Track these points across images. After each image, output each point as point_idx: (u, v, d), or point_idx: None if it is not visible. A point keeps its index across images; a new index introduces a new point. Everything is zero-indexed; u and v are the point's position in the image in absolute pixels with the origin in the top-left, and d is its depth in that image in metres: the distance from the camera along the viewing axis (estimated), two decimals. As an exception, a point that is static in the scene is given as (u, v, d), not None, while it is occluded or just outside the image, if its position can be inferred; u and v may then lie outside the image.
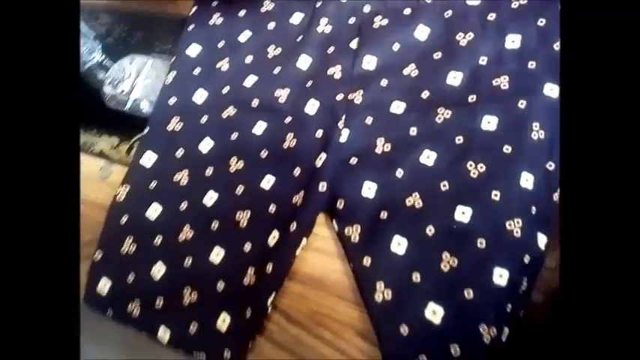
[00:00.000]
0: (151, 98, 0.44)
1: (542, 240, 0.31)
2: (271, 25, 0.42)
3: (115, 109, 0.45)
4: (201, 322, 0.32)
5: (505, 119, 0.33)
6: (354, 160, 0.35)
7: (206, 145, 0.39)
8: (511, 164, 0.32)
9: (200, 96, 0.41)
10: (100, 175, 0.43)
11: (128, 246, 0.36)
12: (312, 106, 0.38)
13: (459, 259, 0.30)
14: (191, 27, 0.44)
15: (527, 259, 0.30)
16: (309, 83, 0.39)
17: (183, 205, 0.37)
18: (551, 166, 0.32)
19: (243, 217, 0.36)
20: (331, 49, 0.39)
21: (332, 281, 0.33)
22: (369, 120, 0.36)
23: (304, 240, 0.33)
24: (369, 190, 0.34)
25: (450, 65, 0.36)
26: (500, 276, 0.30)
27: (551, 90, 0.34)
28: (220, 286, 0.33)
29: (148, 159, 0.39)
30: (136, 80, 0.45)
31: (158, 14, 0.48)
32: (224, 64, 0.42)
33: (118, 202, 0.38)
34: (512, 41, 0.36)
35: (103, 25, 0.50)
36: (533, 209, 0.31)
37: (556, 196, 0.32)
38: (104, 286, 0.36)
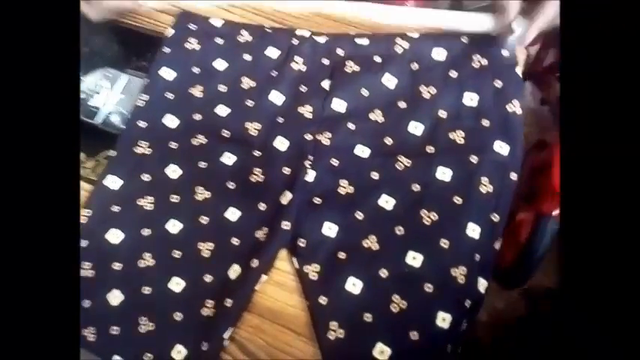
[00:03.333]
0: (123, 112, 0.44)
1: (482, 284, 0.34)
2: (247, 57, 0.43)
3: (84, 121, 0.44)
4: (156, 353, 0.33)
5: (458, 172, 0.36)
6: (318, 200, 0.37)
7: (173, 172, 0.40)
8: (460, 214, 0.35)
9: (171, 121, 0.42)
10: (62, 192, 0.42)
11: (86, 271, 0.36)
12: (281, 143, 0.39)
13: (408, 302, 0.33)
14: (167, 49, 0.44)
15: (468, 303, 0.33)
16: (280, 119, 0.40)
17: (146, 232, 0.38)
18: (495, 217, 0.35)
19: (206, 247, 0.37)
20: (304, 88, 0.41)
21: (289, 316, 0.34)
22: (334, 162, 0.38)
23: (264, 276, 0.34)
24: (329, 230, 0.36)
25: (412, 115, 0.39)
26: (444, 319, 0.32)
27: (501, 147, 0.37)
28: (178, 316, 0.34)
29: (113, 182, 0.39)
30: (109, 94, 0.45)
31: (136, 28, 0.48)
32: (197, 91, 0.43)
33: (80, 224, 0.38)
34: (471, 99, 0.39)
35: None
36: (477, 257, 0.34)
37: (497, 245, 0.35)
38: (58, 309, 0.35)
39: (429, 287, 0.33)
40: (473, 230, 0.34)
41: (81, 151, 0.43)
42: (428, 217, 0.35)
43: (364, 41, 0.42)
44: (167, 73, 0.43)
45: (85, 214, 0.38)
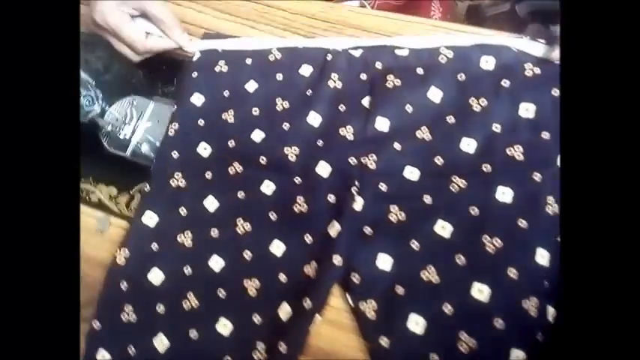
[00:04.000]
0: (151, 141, 0.42)
1: (551, 313, 0.31)
2: (279, 76, 0.41)
3: (113, 154, 0.43)
4: None
5: (520, 191, 0.33)
6: (368, 230, 0.34)
7: (210, 204, 0.38)
8: (527, 239, 0.32)
9: (204, 149, 0.40)
10: (98, 228, 0.40)
11: (128, 315, 0.35)
12: (323, 169, 0.37)
13: (477, 341, 0.30)
14: (195, 74, 0.42)
15: (540, 336, 0.30)
16: (320, 142, 0.38)
17: (188, 270, 0.36)
18: None
19: (252, 285, 0.35)
20: (342, 107, 0.38)
21: (344, 357, 0.32)
22: (382, 186, 0.35)
23: (318, 316, 0.32)
24: (384, 262, 0.33)
25: (463, 131, 0.36)
26: (517, 358, 0.30)
27: (566, 162, 0.34)
28: (229, 362, 0.32)
29: (149, 218, 0.38)
30: (137, 123, 0.43)
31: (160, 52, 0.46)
32: (229, 116, 0.40)
33: (118, 265, 0.36)
34: (526, 109, 0.35)
35: (99, 59, 0.47)
36: (546, 284, 0.31)
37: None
38: (103, 358, 0.34)
39: (499, 323, 0.30)
40: (542, 256, 0.31)
41: (113, 185, 0.42)
42: (491, 243, 0.32)
43: (404, 52, 0.39)
44: (197, 99, 0.41)
45: (123, 255, 0.37)
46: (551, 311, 0.31)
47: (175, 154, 0.40)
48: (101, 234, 0.40)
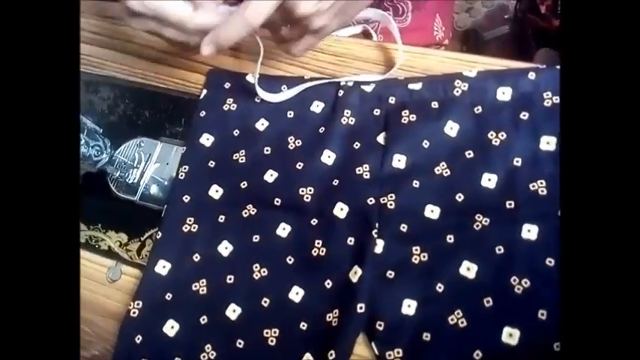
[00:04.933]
0: (160, 181, 0.41)
1: None
2: (290, 114, 0.40)
3: (123, 199, 0.42)
4: None
5: (545, 229, 0.32)
6: (391, 274, 0.33)
7: (225, 249, 0.37)
8: (555, 279, 0.31)
9: (216, 191, 0.39)
10: (109, 277, 0.39)
11: None
12: (340, 210, 0.36)
13: None
14: (203, 113, 0.42)
15: None
16: (336, 182, 0.37)
17: (204, 319, 0.35)
18: None
19: (272, 335, 0.33)
20: (357, 145, 0.38)
21: (374, 410, 0.31)
22: (403, 227, 0.34)
23: (344, 368, 0.31)
24: (409, 307, 0.32)
25: (483, 166, 0.35)
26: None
27: (591, 196, 0.33)
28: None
29: (162, 267, 0.37)
30: (145, 166, 0.42)
31: (165, 91, 0.45)
32: (241, 156, 0.39)
33: (132, 317, 0.35)
34: (547, 142, 0.34)
35: (104, 100, 0.47)
36: None
37: None
38: (121, 418, 0.32)
39: (533, 369, 0.29)
40: (573, 296, 0.30)
41: (123, 232, 0.40)
42: (520, 284, 0.31)
43: (417, 86, 0.38)
44: (206, 140, 0.40)
45: (135, 307, 0.35)
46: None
47: (187, 198, 0.39)
48: (112, 283, 0.39)
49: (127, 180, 0.42)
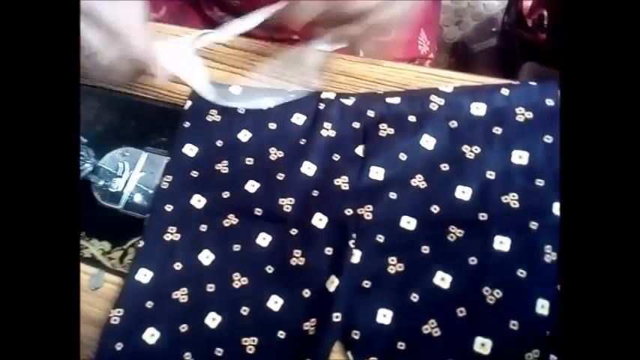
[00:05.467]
0: (144, 189, 0.42)
1: None
2: (272, 125, 0.41)
3: (106, 207, 0.42)
4: None
5: (517, 240, 0.33)
6: (367, 284, 0.34)
7: (206, 258, 0.37)
8: (527, 290, 0.32)
9: (198, 201, 0.39)
10: (91, 285, 0.39)
11: None
12: (319, 220, 0.36)
13: None
14: (187, 124, 0.42)
15: None
16: (315, 193, 0.38)
17: (184, 328, 0.35)
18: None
19: (250, 343, 0.34)
20: (336, 157, 0.38)
21: (348, 417, 0.31)
22: (380, 238, 0.35)
23: (319, 376, 0.32)
24: (384, 317, 0.33)
25: (458, 179, 0.36)
26: (525, 413, 0.29)
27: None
28: None
29: (144, 275, 0.37)
30: (130, 175, 0.43)
31: (151, 101, 0.46)
32: (223, 167, 0.40)
33: (112, 325, 0.35)
34: (520, 157, 0.36)
35: (90, 109, 0.47)
36: (547, 333, 0.31)
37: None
38: None
39: (502, 378, 0.30)
40: (542, 307, 0.31)
41: (106, 240, 0.41)
42: (492, 295, 0.32)
43: (395, 100, 0.39)
44: (190, 150, 0.41)
45: (116, 315, 0.36)
46: (553, 359, 0.30)
47: (169, 208, 0.39)
48: (95, 291, 0.39)
49: (111, 189, 0.42)
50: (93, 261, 0.41)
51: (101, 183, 0.43)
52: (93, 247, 0.41)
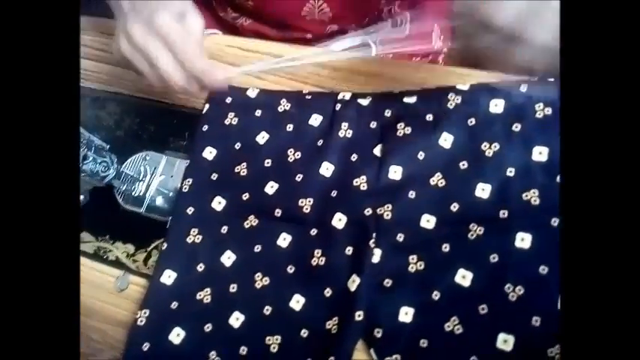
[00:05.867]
0: (165, 192, 0.43)
1: None
2: (290, 127, 0.41)
3: (129, 211, 0.43)
4: None
5: (538, 237, 0.33)
6: (388, 282, 0.34)
7: (228, 259, 0.38)
8: (549, 287, 0.32)
9: (218, 203, 0.40)
10: (117, 287, 0.41)
11: None
12: (339, 220, 0.37)
13: None
14: (205, 127, 0.43)
15: None
16: (334, 193, 0.38)
17: (208, 327, 0.36)
18: None
19: (274, 342, 0.34)
20: (354, 157, 0.39)
21: (372, 414, 0.32)
22: (400, 237, 0.35)
23: (343, 375, 0.32)
24: (406, 315, 0.33)
25: (477, 176, 0.36)
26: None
27: (582, 205, 0.34)
28: None
29: (168, 276, 0.38)
30: (151, 179, 0.44)
31: (169, 106, 0.47)
32: (242, 169, 0.41)
33: (139, 326, 0.36)
34: (540, 153, 0.35)
35: (110, 115, 0.48)
36: None
37: None
38: None
39: (526, 375, 0.30)
40: (565, 303, 0.31)
41: (130, 242, 0.42)
42: (514, 292, 0.32)
43: (412, 99, 0.39)
44: (209, 153, 0.42)
45: (142, 315, 0.37)
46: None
47: (190, 210, 0.40)
48: (120, 292, 0.40)
49: (133, 193, 0.43)
50: (118, 263, 0.42)
51: (124, 187, 0.44)
52: (117, 250, 0.42)
